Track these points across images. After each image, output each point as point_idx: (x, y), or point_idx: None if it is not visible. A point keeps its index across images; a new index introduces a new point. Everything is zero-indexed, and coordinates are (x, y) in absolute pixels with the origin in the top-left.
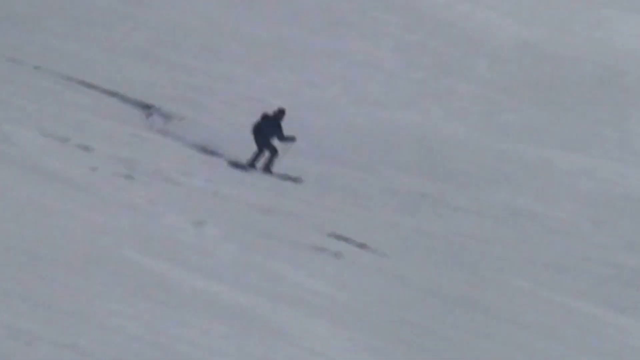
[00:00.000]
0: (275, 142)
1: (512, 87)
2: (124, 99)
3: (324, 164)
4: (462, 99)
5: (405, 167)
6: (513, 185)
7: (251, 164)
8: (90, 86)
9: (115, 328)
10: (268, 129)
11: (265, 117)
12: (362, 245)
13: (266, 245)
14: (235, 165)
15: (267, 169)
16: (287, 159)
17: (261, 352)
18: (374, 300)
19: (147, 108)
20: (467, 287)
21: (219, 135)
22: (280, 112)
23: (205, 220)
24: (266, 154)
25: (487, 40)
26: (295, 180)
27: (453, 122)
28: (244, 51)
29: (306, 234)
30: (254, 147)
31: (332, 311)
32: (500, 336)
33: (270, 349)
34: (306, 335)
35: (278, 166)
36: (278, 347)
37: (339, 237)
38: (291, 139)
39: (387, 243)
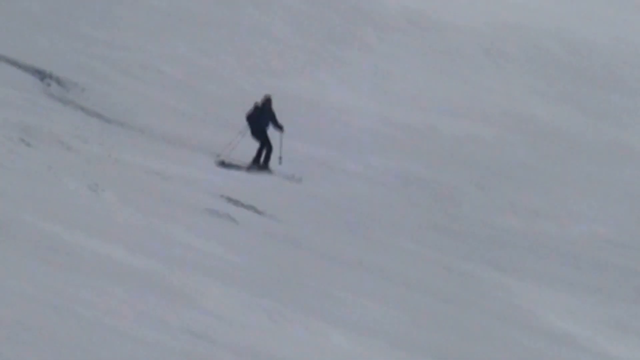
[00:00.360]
0: (270, 131)
1: (400, 55)
2: (21, 66)
3: (219, 131)
4: (352, 67)
5: (298, 134)
6: (401, 151)
7: (263, 165)
8: None
9: (12, 290)
10: (263, 119)
11: (257, 108)
12: (255, 210)
13: (162, 209)
14: (228, 166)
15: (265, 165)
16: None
17: (158, 314)
18: (267, 262)
19: (44, 75)
20: (358, 250)
21: (116, 103)
22: (268, 100)
23: (102, 185)
24: (264, 149)
25: (375, 10)
26: (271, 172)
27: (344, 89)
28: (142, 20)
29: (200, 198)
30: (149, 120)
31: (226, 273)
32: (390, 297)
33: (166, 310)
34: (201, 297)
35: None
36: (174, 308)
37: (233, 202)
38: (281, 126)
39: (280, 207)
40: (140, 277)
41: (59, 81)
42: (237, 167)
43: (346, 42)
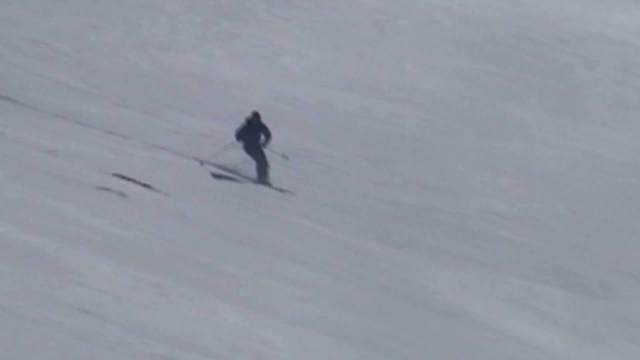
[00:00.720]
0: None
1: (290, 29)
2: None
3: (108, 107)
4: (243, 41)
5: (188, 109)
6: (293, 125)
7: (264, 180)
8: None
9: None
10: (256, 135)
11: (248, 124)
12: (145, 185)
13: (51, 185)
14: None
15: (265, 180)
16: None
17: (47, 291)
18: (158, 239)
19: None
20: (250, 226)
21: (6, 79)
22: (256, 115)
23: None
24: (259, 163)
25: None
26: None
27: (234, 64)
28: None
29: (90, 175)
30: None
31: (117, 250)
32: (282, 274)
33: (56, 287)
34: (91, 273)
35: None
36: (64, 285)
37: (123, 178)
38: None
39: (171, 183)
40: (30, 254)
41: None
42: (229, 176)
43: (237, 16)
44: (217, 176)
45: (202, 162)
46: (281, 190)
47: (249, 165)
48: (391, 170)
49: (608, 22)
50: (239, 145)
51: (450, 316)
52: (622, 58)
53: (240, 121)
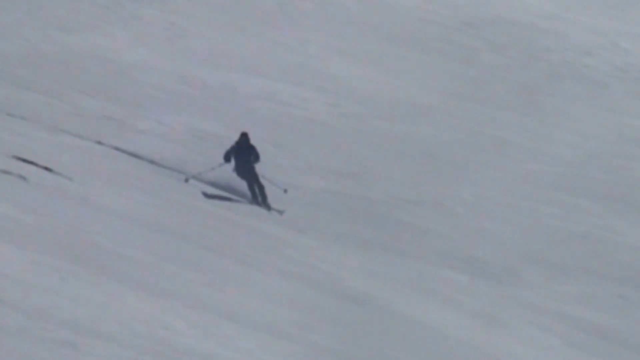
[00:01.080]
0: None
1: (194, 11)
2: None
3: (8, 88)
4: (146, 23)
5: (90, 91)
6: (197, 109)
7: (264, 204)
8: None
9: None
10: (247, 157)
11: (238, 143)
12: (46, 169)
13: None
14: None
15: (265, 203)
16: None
17: None
18: (59, 223)
19: None
20: (153, 210)
21: None
22: (245, 135)
23: None
24: (250, 184)
25: None
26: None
27: (137, 46)
28: None
29: None
30: None
31: (17, 233)
32: (185, 258)
33: None
34: None
35: None
36: None
37: (24, 161)
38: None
39: (72, 166)
40: None
41: None
42: (221, 196)
43: None
44: (208, 195)
45: (186, 179)
46: (183, 174)
47: (242, 182)
48: (296, 154)
49: (514, 5)
50: (227, 166)
51: (355, 302)
52: (529, 42)
53: (139, 101)
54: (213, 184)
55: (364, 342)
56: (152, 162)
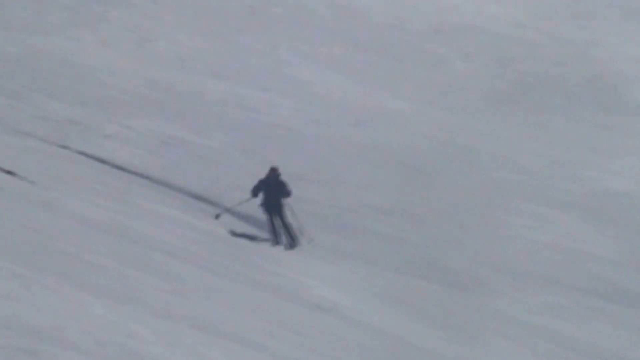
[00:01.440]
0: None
1: (162, 15)
2: None
3: None
4: (113, 26)
5: (55, 94)
6: (164, 113)
7: (290, 245)
8: None
9: None
10: (278, 191)
11: (270, 178)
12: (9, 172)
13: None
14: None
15: (294, 243)
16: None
17: None
18: (21, 228)
19: None
20: (117, 216)
21: None
22: (274, 170)
23: None
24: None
25: None
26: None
27: (104, 49)
28: None
29: None
30: None
31: None
32: (150, 264)
33: None
34: None
35: None
36: None
37: None
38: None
39: (36, 170)
40: None
41: None
42: (250, 236)
43: (108, 0)
44: (235, 234)
45: (217, 215)
46: (151, 181)
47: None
48: (264, 160)
49: (483, 14)
50: (255, 201)
51: (322, 311)
52: (498, 50)
53: (105, 105)
54: (239, 217)
55: (331, 352)
56: (117, 167)
